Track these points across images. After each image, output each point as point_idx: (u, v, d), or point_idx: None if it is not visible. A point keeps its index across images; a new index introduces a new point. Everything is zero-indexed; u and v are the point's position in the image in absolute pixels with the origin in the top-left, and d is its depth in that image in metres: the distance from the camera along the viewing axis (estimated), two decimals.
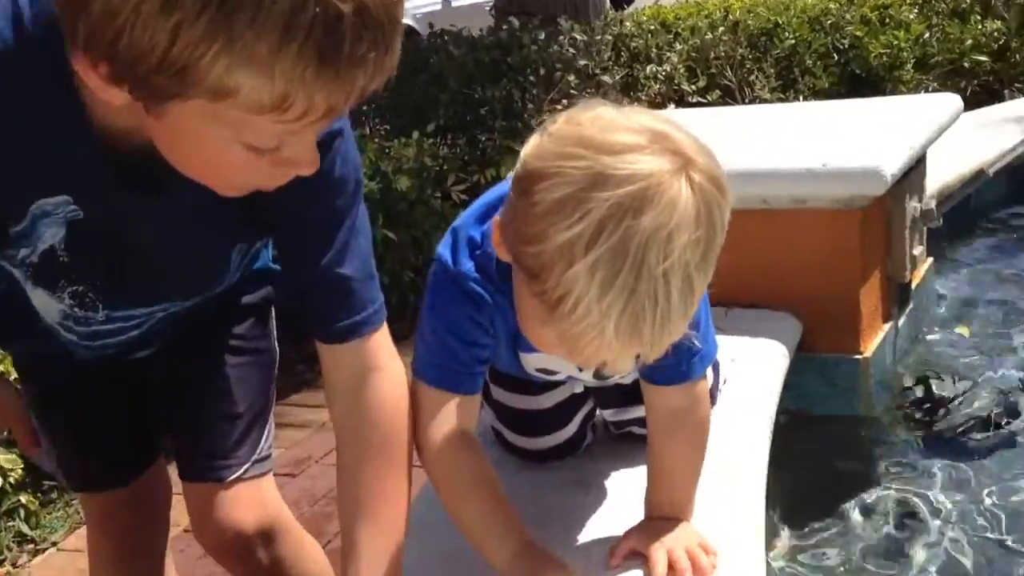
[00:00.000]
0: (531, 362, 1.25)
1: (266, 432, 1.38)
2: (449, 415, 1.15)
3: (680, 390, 1.17)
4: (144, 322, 1.26)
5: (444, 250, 1.15)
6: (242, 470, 1.33)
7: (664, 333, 0.91)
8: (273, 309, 1.43)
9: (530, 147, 0.96)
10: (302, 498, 2.40)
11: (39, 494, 2.42)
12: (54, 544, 2.33)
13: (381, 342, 1.13)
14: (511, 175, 1.01)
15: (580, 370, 1.26)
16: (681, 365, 1.14)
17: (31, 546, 2.34)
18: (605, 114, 0.94)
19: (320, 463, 2.60)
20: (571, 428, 1.44)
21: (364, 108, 4.92)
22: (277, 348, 1.44)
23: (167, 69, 0.75)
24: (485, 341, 1.16)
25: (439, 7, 16.64)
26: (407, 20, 16.26)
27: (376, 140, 4.07)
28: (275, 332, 1.43)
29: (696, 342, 1.06)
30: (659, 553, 1.15)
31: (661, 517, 1.20)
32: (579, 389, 1.41)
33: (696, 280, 0.91)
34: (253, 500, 1.35)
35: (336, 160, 1.05)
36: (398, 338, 3.63)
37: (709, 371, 1.25)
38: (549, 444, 1.43)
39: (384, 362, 1.13)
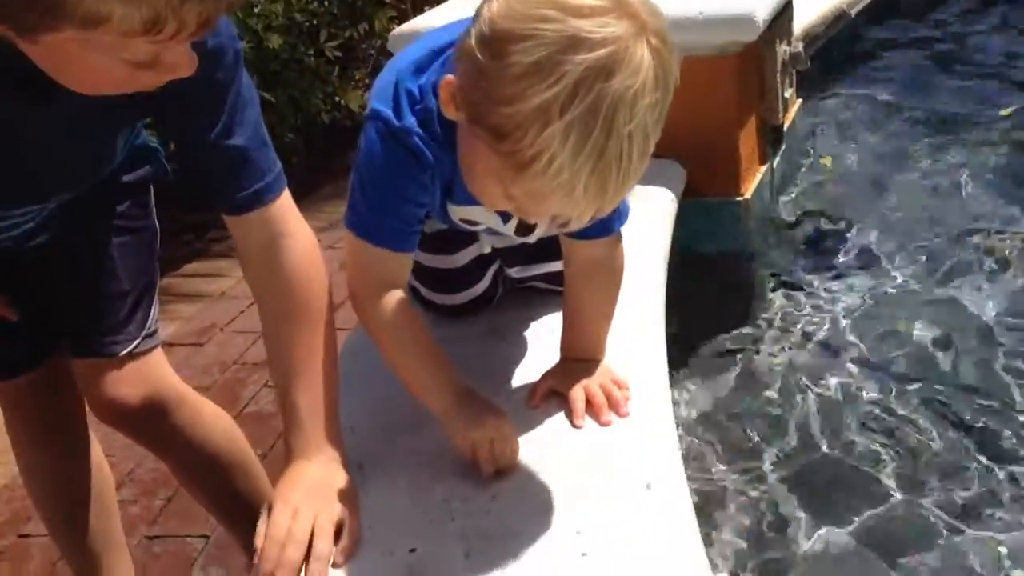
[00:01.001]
0: (458, 213, 1.30)
1: (152, 308, 1.42)
2: (387, 271, 1.20)
3: (602, 243, 1.27)
4: (37, 215, 1.27)
5: (382, 105, 1.15)
6: (132, 345, 1.37)
7: (624, 189, 0.98)
8: (151, 186, 1.44)
9: (496, 7, 0.97)
10: (212, 365, 2.45)
11: None
12: None
13: (286, 207, 1.15)
14: (466, 30, 1.01)
15: (504, 223, 1.32)
16: (603, 221, 1.20)
17: None
18: None
19: (225, 330, 2.63)
20: (484, 283, 1.52)
21: None
22: (157, 224, 1.45)
23: (37, 4, 0.76)
24: (425, 199, 1.20)
25: None
26: None
27: None
28: (154, 209, 1.44)
29: None
30: (577, 391, 1.27)
31: (576, 359, 1.31)
32: (487, 249, 1.49)
33: (652, 138, 0.98)
34: (141, 374, 1.39)
35: None
36: None
37: None
38: (464, 299, 1.52)
39: (292, 227, 1.16)
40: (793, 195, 2.51)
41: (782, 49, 2.30)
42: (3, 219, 1.23)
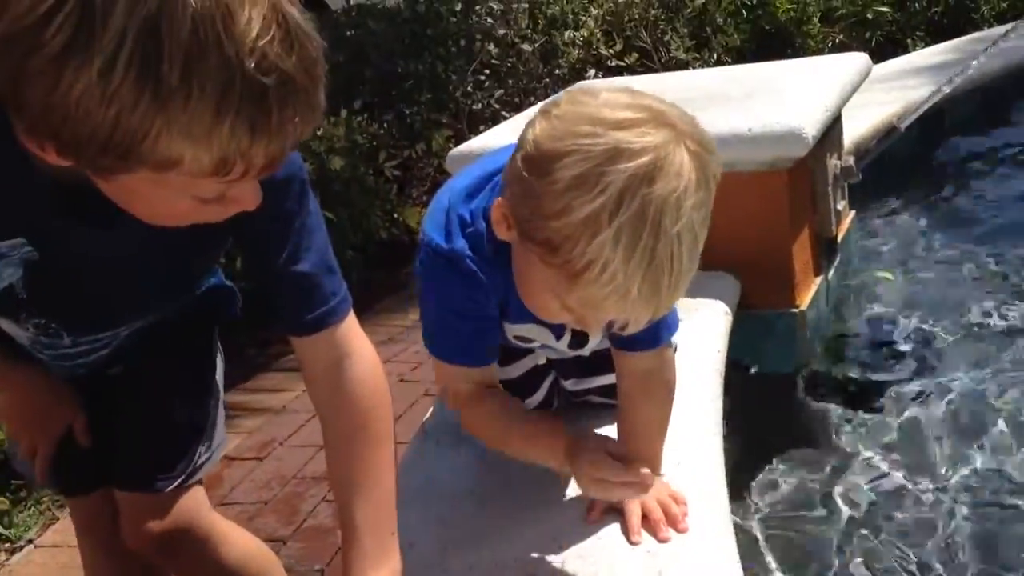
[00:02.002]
0: (512, 331, 1.34)
1: (201, 445, 1.41)
2: (471, 378, 1.28)
3: (650, 354, 1.28)
4: (111, 342, 1.32)
5: (435, 232, 1.22)
6: (177, 483, 1.37)
7: (678, 289, 1.01)
8: (217, 324, 1.47)
9: (539, 130, 1.03)
10: (272, 480, 2.46)
11: (8, 493, 2.44)
12: (30, 542, 2.36)
13: (350, 328, 1.18)
14: (512, 155, 1.08)
15: (557, 339, 1.35)
16: (652, 331, 1.23)
17: (7, 544, 2.36)
18: (606, 94, 1.03)
19: (285, 445, 2.65)
20: (539, 395, 1.53)
21: None
22: (220, 363, 1.47)
23: (111, 151, 0.80)
24: (488, 313, 1.25)
25: None
26: None
27: None
28: (219, 346, 1.47)
29: None
30: (634, 504, 1.26)
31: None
32: (542, 361, 1.51)
33: (700, 237, 1.01)
34: (179, 508, 1.39)
35: None
36: None
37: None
38: None
39: (356, 346, 1.19)
40: (849, 307, 2.50)
41: (833, 163, 2.33)
42: (73, 345, 1.28)
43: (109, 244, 1.08)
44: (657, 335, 1.27)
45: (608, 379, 1.42)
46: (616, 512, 1.28)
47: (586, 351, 1.41)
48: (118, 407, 1.40)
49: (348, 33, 4.86)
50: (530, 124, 1.06)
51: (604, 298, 1.00)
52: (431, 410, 1.70)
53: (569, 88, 1.07)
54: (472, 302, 1.22)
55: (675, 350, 1.36)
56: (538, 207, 1.01)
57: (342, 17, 5.31)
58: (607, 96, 1.02)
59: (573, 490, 1.37)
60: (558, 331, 1.33)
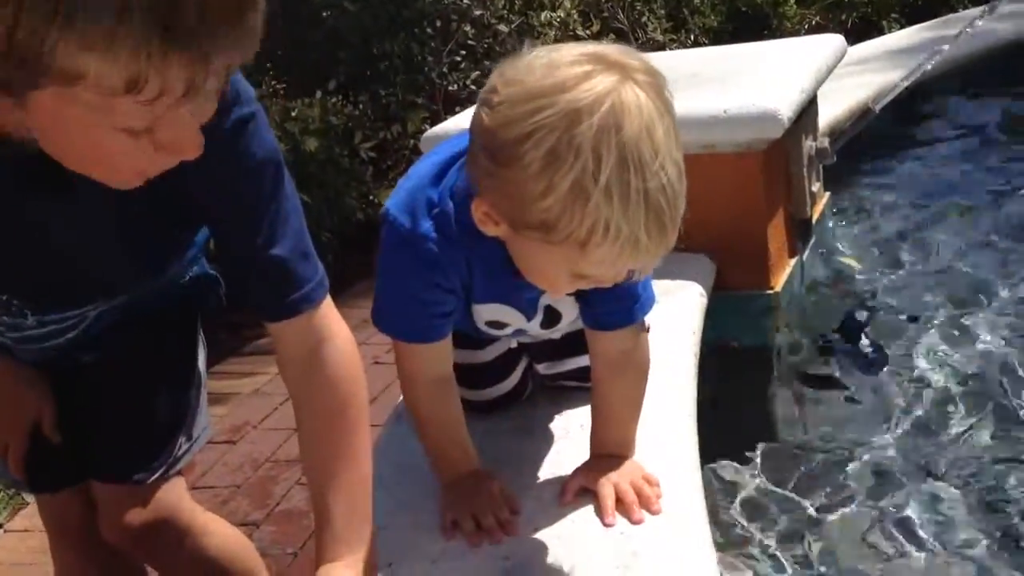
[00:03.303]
0: (483, 314, 1.32)
1: (181, 437, 1.38)
2: (424, 360, 1.27)
3: (624, 333, 1.27)
4: (78, 324, 1.28)
5: (399, 213, 1.20)
6: (156, 475, 1.35)
7: (678, 213, 1.01)
8: (200, 316, 1.43)
9: (489, 121, 1.02)
10: (245, 463, 2.45)
11: None
12: (0, 526, 2.33)
13: (326, 313, 1.15)
14: (470, 153, 1.07)
15: (528, 320, 1.34)
16: (626, 310, 1.25)
17: None
18: (535, 62, 1.01)
19: (258, 428, 2.64)
20: (513, 378, 1.53)
21: (262, 68, 4.86)
22: (202, 355, 1.42)
23: (12, 59, 0.75)
24: (444, 298, 1.23)
25: None
26: None
27: (278, 100, 4.04)
28: (201, 338, 1.43)
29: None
30: (607, 487, 1.26)
31: (606, 455, 1.31)
32: (514, 344, 1.50)
33: (679, 158, 1.01)
34: (157, 500, 1.36)
35: (251, 144, 1.05)
36: None
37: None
38: (493, 395, 1.52)
39: (333, 331, 1.16)
40: (821, 287, 2.51)
41: (808, 144, 2.33)
42: (38, 326, 1.25)
43: (67, 215, 1.05)
44: (631, 313, 1.26)
45: (582, 361, 1.42)
46: (589, 494, 1.28)
47: (558, 332, 1.40)
48: (95, 397, 1.36)
49: (323, 14, 4.80)
50: (477, 119, 1.04)
51: (618, 253, 1.00)
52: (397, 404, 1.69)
53: (496, 70, 1.05)
54: (432, 285, 1.21)
55: (648, 330, 1.37)
56: (520, 195, 1.00)
57: None
58: (540, 62, 1.01)
59: (546, 472, 1.37)
60: (529, 312, 1.32)
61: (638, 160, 0.96)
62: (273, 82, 4.75)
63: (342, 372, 1.16)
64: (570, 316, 1.35)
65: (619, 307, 1.24)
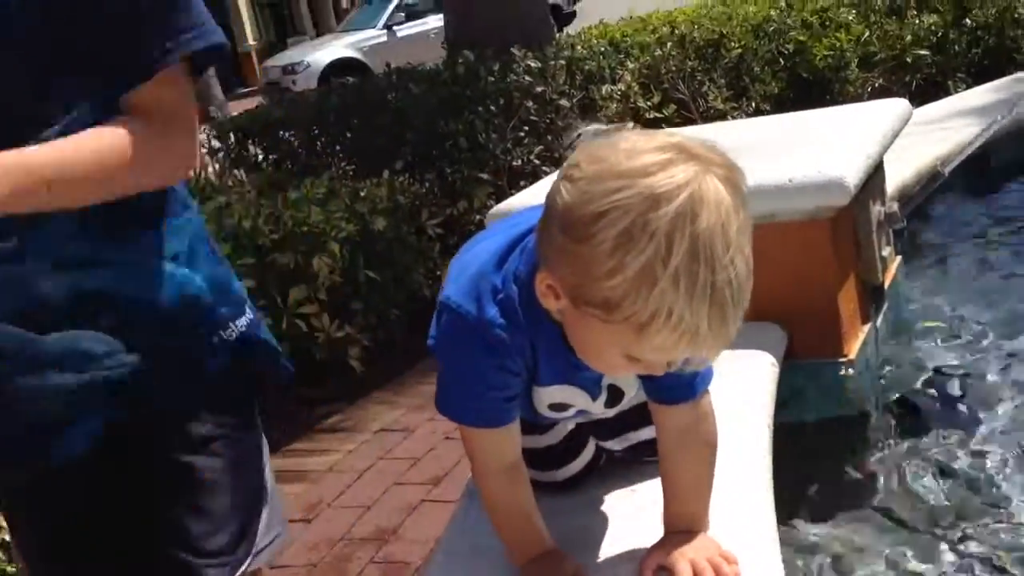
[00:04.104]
0: (545, 397, 1.32)
1: (261, 524, 1.26)
2: (493, 445, 1.26)
3: (686, 408, 1.26)
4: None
5: (464, 300, 1.19)
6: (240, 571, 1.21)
7: (741, 310, 1.01)
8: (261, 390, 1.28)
9: (569, 196, 1.03)
10: (320, 542, 2.46)
11: None
12: None
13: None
14: (543, 226, 1.08)
15: (593, 399, 1.34)
16: (685, 384, 1.24)
17: None
18: (620, 144, 1.03)
19: (332, 507, 2.65)
20: (585, 456, 1.52)
21: (332, 151, 5.01)
22: (262, 434, 1.28)
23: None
24: (512, 382, 1.23)
25: (385, 38, 16.83)
26: (353, 53, 16.30)
27: (348, 182, 4.15)
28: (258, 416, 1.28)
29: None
30: (683, 564, 1.24)
31: (680, 531, 1.29)
32: (572, 426, 1.48)
33: (749, 256, 1.01)
34: None
35: None
36: (391, 373, 3.68)
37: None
38: (564, 476, 1.51)
39: None
40: (899, 356, 2.46)
41: (876, 209, 2.31)
42: None
43: None
44: (693, 386, 1.25)
45: (646, 434, 1.41)
46: (667, 573, 1.26)
47: (623, 407, 1.39)
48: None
49: (390, 96, 4.95)
50: (555, 192, 1.06)
51: (676, 342, 1.00)
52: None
53: (581, 147, 1.07)
54: (499, 369, 1.20)
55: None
56: (588, 271, 1.01)
57: (384, 81, 5.42)
58: (625, 146, 1.02)
59: (619, 550, 1.35)
60: (593, 391, 1.32)
61: (710, 252, 0.97)
62: (343, 163, 4.90)
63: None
64: (631, 393, 1.35)
65: (679, 381, 1.23)
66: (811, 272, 2.07)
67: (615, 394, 1.34)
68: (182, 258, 1.16)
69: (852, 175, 2.02)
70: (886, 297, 2.36)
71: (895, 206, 2.38)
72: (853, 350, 2.11)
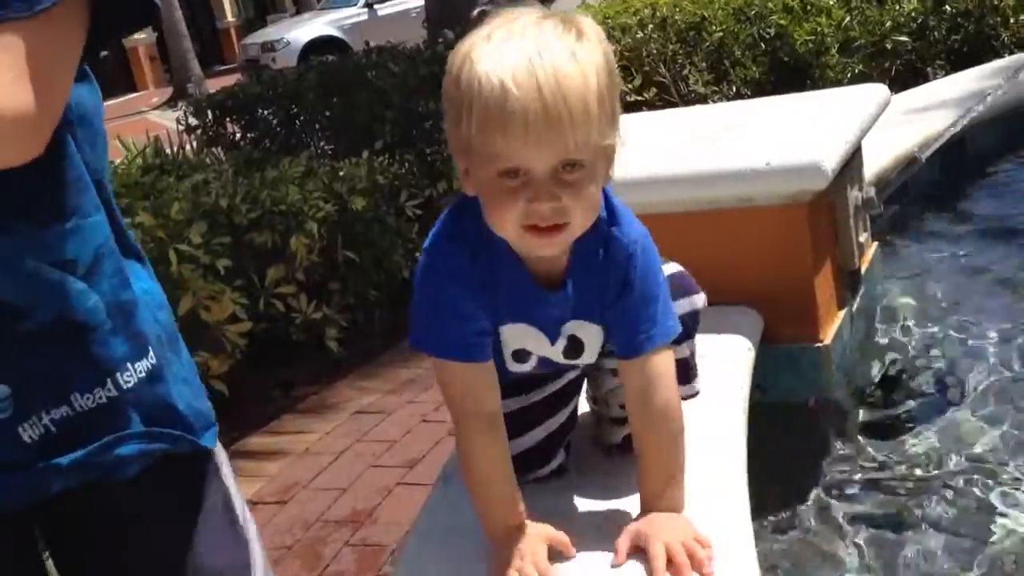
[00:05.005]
0: (509, 339, 1.33)
1: None
2: (467, 384, 1.27)
3: (637, 365, 1.28)
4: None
5: (430, 240, 1.28)
6: None
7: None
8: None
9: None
10: (295, 524, 2.46)
11: None
12: None
13: None
14: None
15: (552, 343, 1.34)
16: (644, 333, 1.27)
17: None
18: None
19: (308, 488, 2.65)
20: (558, 459, 1.51)
21: (311, 130, 4.97)
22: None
23: None
24: (480, 314, 1.26)
25: (365, 16, 16.72)
26: (333, 31, 16.30)
27: (327, 161, 4.12)
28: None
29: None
30: (657, 546, 1.25)
31: (656, 511, 1.30)
32: (560, 420, 1.49)
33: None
34: None
35: None
36: (369, 354, 3.67)
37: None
38: (542, 475, 1.51)
39: None
40: (873, 339, 2.47)
41: (854, 195, 2.32)
42: None
43: None
44: (638, 343, 1.27)
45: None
46: (641, 553, 1.26)
47: (580, 361, 1.40)
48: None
49: (369, 75, 4.91)
50: None
51: (500, 109, 1.09)
52: (453, 452, 1.69)
53: None
54: (468, 300, 1.24)
55: (696, 394, 1.36)
56: (451, 126, 1.17)
57: (363, 59, 5.38)
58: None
59: (599, 533, 1.35)
60: (551, 332, 1.33)
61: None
62: (322, 143, 4.86)
63: None
64: (594, 346, 1.36)
65: (636, 331, 1.27)
66: (788, 256, 2.08)
67: (575, 344, 1.35)
68: (79, 268, 0.93)
69: (830, 159, 2.02)
70: (862, 282, 2.37)
71: (872, 191, 2.39)
72: (829, 335, 2.12)
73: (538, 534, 1.28)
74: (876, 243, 2.58)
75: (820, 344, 2.10)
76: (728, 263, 2.05)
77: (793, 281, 2.08)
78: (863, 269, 2.39)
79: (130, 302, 0.98)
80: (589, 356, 1.38)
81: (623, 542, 1.28)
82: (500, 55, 1.10)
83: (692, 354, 1.64)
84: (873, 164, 2.69)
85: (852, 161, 2.28)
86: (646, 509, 1.31)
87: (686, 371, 1.51)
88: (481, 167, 1.15)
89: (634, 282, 1.26)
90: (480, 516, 1.32)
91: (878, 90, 2.55)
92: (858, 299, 2.35)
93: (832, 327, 2.15)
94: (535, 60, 1.09)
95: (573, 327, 1.32)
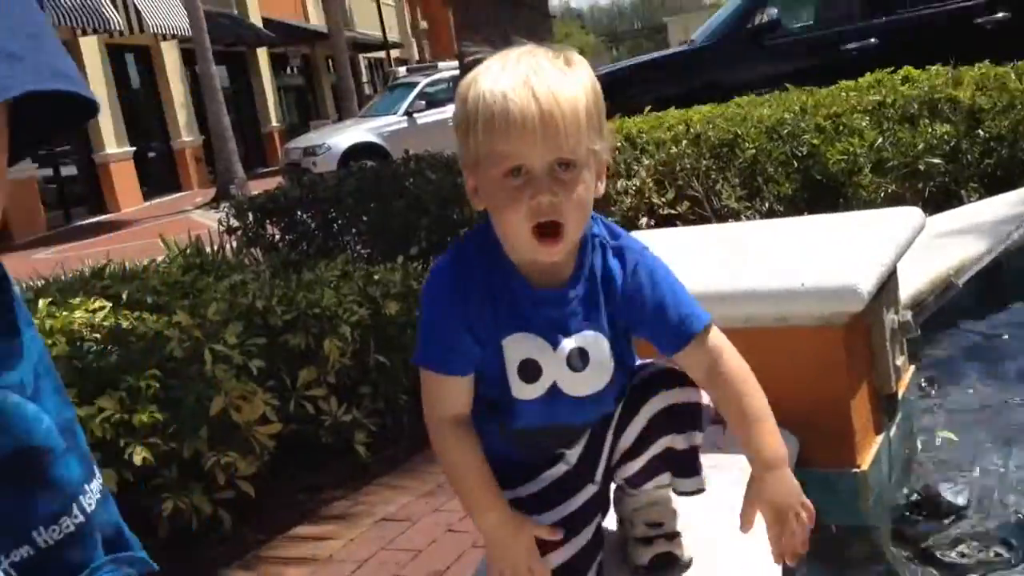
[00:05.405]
0: (511, 353, 1.38)
1: None
2: (440, 395, 1.40)
3: (694, 349, 1.40)
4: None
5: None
6: None
7: (546, 81, 1.28)
8: None
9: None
10: None
11: None
12: None
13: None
14: None
15: (554, 349, 1.38)
16: (683, 319, 1.40)
17: None
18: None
19: None
20: (588, 533, 1.49)
21: (347, 233, 5.06)
22: None
23: None
24: (463, 337, 1.36)
25: (405, 124, 17.16)
26: (373, 138, 16.65)
27: (362, 265, 4.17)
28: None
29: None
30: (769, 512, 1.38)
31: (764, 470, 1.39)
32: (584, 498, 1.48)
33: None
34: None
35: None
36: (396, 460, 3.63)
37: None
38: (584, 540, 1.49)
39: None
40: (911, 467, 2.42)
41: (890, 317, 2.31)
42: None
43: None
44: (690, 322, 1.39)
45: (659, 447, 1.47)
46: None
47: (588, 371, 1.40)
48: None
49: (407, 182, 5.02)
50: None
51: (504, 116, 1.26)
52: (478, 566, 1.66)
53: None
54: (452, 313, 1.35)
55: (703, 490, 1.51)
56: (460, 143, 1.34)
57: (401, 166, 5.51)
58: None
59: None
60: (552, 338, 1.38)
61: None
62: (359, 246, 4.94)
63: None
64: (599, 360, 1.39)
65: (679, 320, 1.40)
66: (823, 378, 2.06)
67: (581, 355, 1.39)
68: (27, 389, 0.84)
69: (866, 282, 2.03)
70: (899, 407, 2.34)
71: (909, 315, 2.38)
72: (867, 461, 2.09)
73: (527, 535, 1.39)
74: (913, 367, 2.56)
75: (857, 470, 2.06)
76: (763, 383, 2.03)
77: (829, 403, 2.06)
78: (900, 393, 2.36)
79: (72, 419, 0.89)
80: (595, 374, 1.40)
81: (747, 511, 1.39)
82: (500, 75, 1.29)
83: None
84: (908, 287, 2.69)
85: (888, 284, 2.29)
86: (755, 472, 1.40)
87: (693, 462, 1.51)
88: (487, 172, 1.30)
89: (658, 282, 1.40)
90: (467, 511, 1.43)
91: (913, 213, 2.56)
92: (896, 424, 2.31)
93: (869, 452, 2.12)
94: (531, 77, 1.27)
95: (577, 338, 1.39)
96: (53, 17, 14.57)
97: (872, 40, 8.15)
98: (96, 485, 0.88)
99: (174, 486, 2.76)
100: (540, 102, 1.26)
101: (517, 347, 1.38)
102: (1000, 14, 7.91)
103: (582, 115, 1.28)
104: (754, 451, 1.40)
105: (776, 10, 8.35)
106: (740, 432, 1.41)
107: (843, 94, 6.22)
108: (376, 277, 3.96)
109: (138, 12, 17.78)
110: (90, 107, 0.79)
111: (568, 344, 1.38)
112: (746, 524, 1.39)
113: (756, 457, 1.40)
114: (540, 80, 1.27)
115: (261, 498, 2.85)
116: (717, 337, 1.42)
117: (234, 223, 5.34)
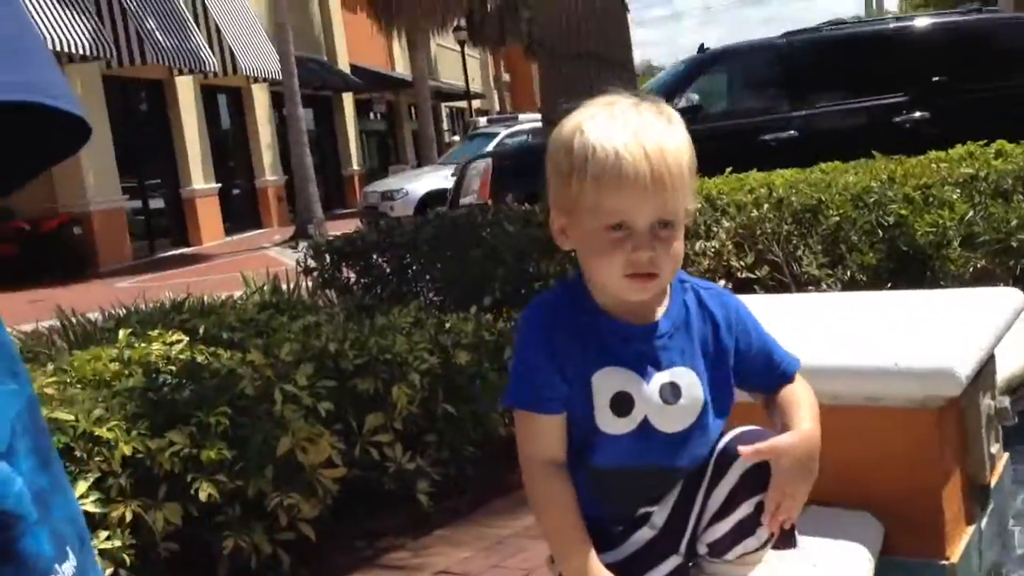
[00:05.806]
0: (601, 388, 1.38)
1: None
2: (532, 434, 1.41)
3: (790, 390, 1.48)
4: None
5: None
6: None
7: (655, 137, 1.33)
8: None
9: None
10: None
11: None
12: None
13: None
14: None
15: (647, 381, 1.39)
16: (781, 359, 1.50)
17: None
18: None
19: None
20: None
21: (421, 280, 5.07)
22: None
23: None
24: (553, 378, 1.38)
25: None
26: (451, 185, 16.63)
27: (434, 313, 4.16)
28: None
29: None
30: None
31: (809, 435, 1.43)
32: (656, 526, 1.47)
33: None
34: None
35: None
36: (458, 512, 3.59)
37: None
38: None
39: None
40: (1004, 563, 2.28)
41: (986, 403, 2.20)
42: None
43: None
44: (787, 361, 1.50)
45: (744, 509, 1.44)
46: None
47: (681, 405, 1.40)
48: None
49: (484, 233, 5.02)
50: None
51: (614, 173, 1.29)
52: None
53: None
54: (545, 345, 1.37)
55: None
56: (554, 191, 1.39)
57: (479, 215, 5.52)
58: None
59: None
60: (643, 370, 1.39)
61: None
62: (432, 293, 4.94)
63: None
64: (692, 395, 1.40)
65: (773, 364, 1.48)
66: (914, 463, 1.96)
67: (673, 389, 1.40)
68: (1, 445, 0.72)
69: (964, 365, 1.93)
70: (991, 497, 2.21)
71: (1006, 401, 2.26)
72: (956, 553, 1.97)
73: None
74: (1007, 455, 2.43)
75: (946, 562, 1.94)
76: (848, 464, 1.94)
77: (918, 490, 1.95)
78: (993, 483, 2.24)
79: (46, 490, 0.75)
80: (687, 409, 1.40)
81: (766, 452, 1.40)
82: (609, 129, 1.31)
83: None
84: (1004, 370, 2.57)
85: (986, 367, 2.18)
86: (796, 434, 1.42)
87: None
88: (587, 221, 1.33)
89: (757, 324, 1.49)
90: (551, 546, 1.43)
91: (1013, 295, 2.45)
92: (987, 515, 2.18)
93: (960, 544, 2.00)
94: (641, 134, 1.30)
95: (669, 372, 1.41)
96: (152, 56, 15.13)
97: (792, 132, 8.19)
98: (69, 569, 0.74)
99: (236, 524, 2.74)
100: (652, 162, 1.28)
101: (608, 381, 1.39)
102: (918, 113, 7.99)
103: (686, 175, 1.32)
104: (795, 425, 1.44)
105: (697, 96, 8.33)
106: (785, 418, 1.45)
107: (933, 165, 6.09)
108: (448, 326, 3.94)
109: (232, 55, 18.38)
110: (82, 125, 0.73)
111: (660, 378, 1.39)
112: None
113: (794, 427, 1.43)
114: (650, 138, 1.30)
115: (321, 541, 2.82)
116: (805, 383, 1.53)
117: (311, 264, 5.40)
